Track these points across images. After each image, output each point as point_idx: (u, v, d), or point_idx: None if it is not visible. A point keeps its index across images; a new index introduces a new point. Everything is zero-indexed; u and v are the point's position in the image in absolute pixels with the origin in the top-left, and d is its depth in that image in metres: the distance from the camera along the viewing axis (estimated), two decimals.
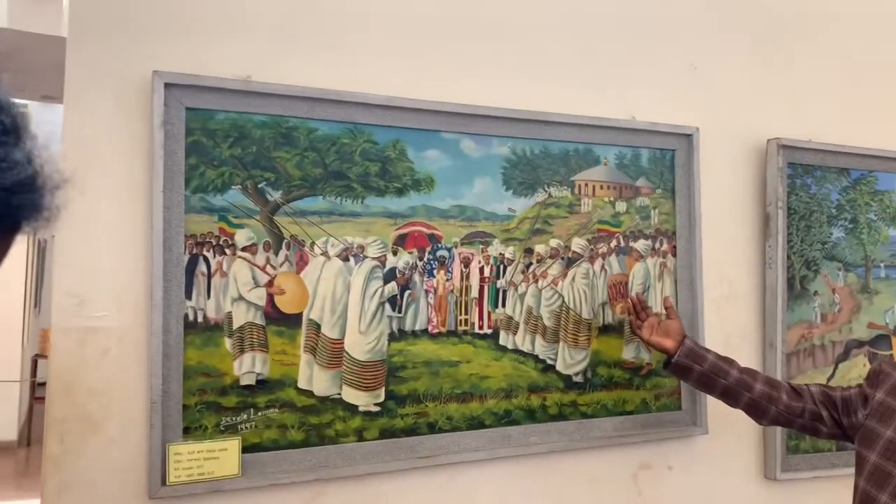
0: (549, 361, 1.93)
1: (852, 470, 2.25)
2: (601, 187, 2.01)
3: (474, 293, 1.86)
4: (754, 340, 2.22)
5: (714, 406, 2.11)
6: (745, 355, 2.20)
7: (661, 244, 2.07)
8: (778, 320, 2.18)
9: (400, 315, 1.76)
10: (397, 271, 1.76)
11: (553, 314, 1.94)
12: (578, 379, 1.95)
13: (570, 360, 1.95)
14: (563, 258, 1.96)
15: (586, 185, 1.99)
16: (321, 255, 1.69)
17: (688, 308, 2.08)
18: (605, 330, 2.00)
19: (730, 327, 2.18)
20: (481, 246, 1.87)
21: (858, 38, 2.45)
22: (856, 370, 2.33)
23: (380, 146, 1.75)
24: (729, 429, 2.16)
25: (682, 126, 2.07)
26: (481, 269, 1.87)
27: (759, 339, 2.22)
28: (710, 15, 2.21)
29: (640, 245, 2.04)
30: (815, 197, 2.27)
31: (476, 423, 1.82)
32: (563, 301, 1.95)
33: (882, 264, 2.41)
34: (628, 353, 2.02)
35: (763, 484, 2.22)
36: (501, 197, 1.89)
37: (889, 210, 2.42)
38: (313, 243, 1.68)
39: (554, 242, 1.94)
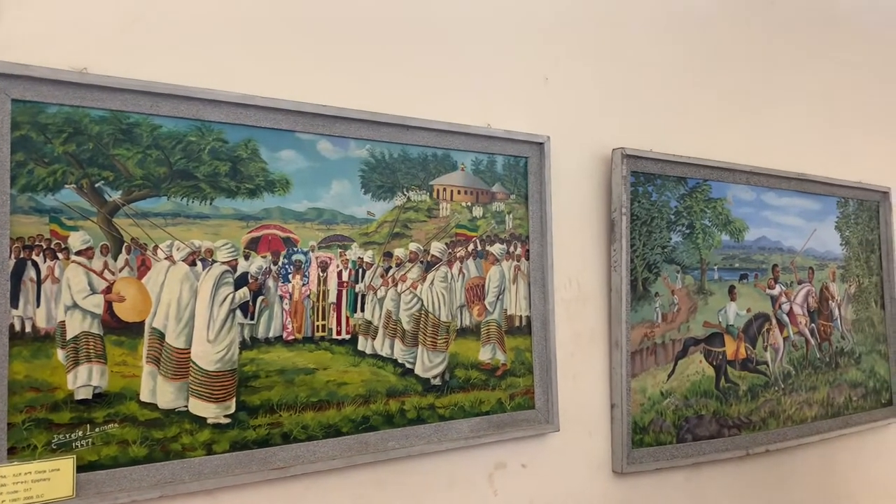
0: (408, 365, 1.93)
1: (691, 460, 2.44)
2: (459, 192, 2.04)
3: (332, 298, 1.83)
4: (601, 339, 2.33)
5: (565, 404, 2.20)
6: (593, 354, 2.31)
7: (516, 248, 2.13)
8: (622, 320, 2.30)
9: (252, 322, 1.70)
10: (249, 276, 1.70)
11: (412, 318, 1.94)
12: (437, 382, 1.96)
13: (428, 364, 1.96)
14: (422, 262, 1.97)
15: (444, 189, 2.02)
16: (165, 259, 1.60)
17: (540, 309, 2.15)
18: (463, 332, 2.03)
19: (579, 327, 2.28)
20: (339, 249, 1.84)
21: (696, 51, 2.64)
22: (693, 366, 2.50)
23: (230, 145, 1.68)
24: (579, 426, 2.26)
25: (535, 134, 2.15)
26: (339, 274, 1.84)
27: (606, 338, 2.33)
28: (562, 30, 2.31)
29: (496, 249, 2.09)
30: (655, 204, 2.42)
31: (333, 431, 1.79)
32: (422, 304, 1.96)
33: (715, 267, 2.60)
34: (484, 355, 2.06)
35: (611, 477, 2.33)
36: (360, 200, 1.87)
37: (721, 216, 2.62)
38: (156, 247, 1.59)
39: (413, 246, 1.95)
